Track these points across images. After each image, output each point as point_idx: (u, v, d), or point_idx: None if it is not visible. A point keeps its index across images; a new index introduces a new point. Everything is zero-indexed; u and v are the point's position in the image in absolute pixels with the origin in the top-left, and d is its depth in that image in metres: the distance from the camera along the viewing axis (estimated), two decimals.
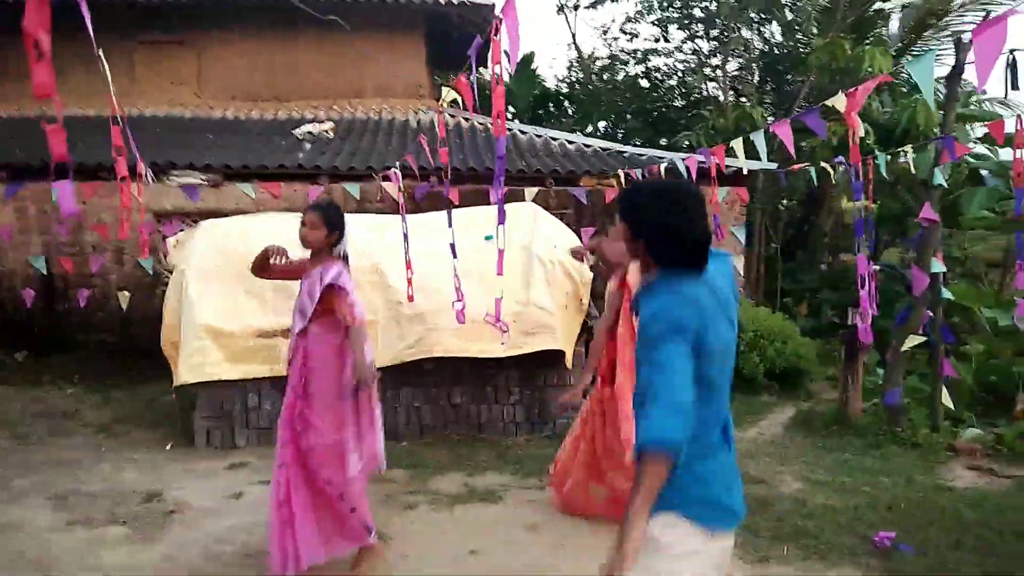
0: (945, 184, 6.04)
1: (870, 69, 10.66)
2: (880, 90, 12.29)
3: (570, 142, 10.02)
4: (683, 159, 5.77)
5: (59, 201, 2.35)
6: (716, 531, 2.11)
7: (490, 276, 6.24)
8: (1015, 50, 4.39)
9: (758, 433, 6.67)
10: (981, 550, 4.12)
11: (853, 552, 4.15)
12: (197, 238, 6.50)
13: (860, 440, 6.24)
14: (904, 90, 12.79)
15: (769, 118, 12.17)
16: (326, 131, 10.19)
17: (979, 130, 13.30)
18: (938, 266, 5.89)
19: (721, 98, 15.64)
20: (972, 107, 13.86)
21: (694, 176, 5.58)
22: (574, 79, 21.83)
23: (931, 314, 6.02)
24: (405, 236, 5.73)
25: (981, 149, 13.62)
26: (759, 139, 3.86)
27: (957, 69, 5.77)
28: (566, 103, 21.90)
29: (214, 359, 6.08)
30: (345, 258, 4.00)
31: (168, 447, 6.15)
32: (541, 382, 6.25)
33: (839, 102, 2.96)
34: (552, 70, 49.14)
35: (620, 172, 7.33)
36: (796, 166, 7.22)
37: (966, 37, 5.88)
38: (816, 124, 3.08)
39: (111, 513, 4.69)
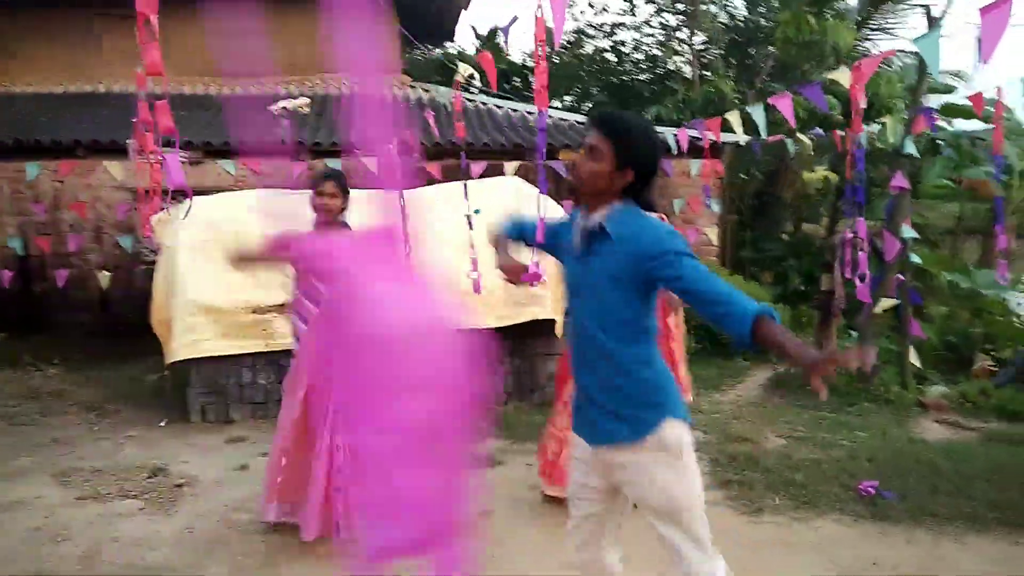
0: (917, 153, 6.32)
1: (834, 43, 10.94)
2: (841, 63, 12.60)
3: (562, 119, 10.13)
4: (675, 133, 5.94)
5: (169, 172, 2.40)
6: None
7: (478, 249, 6.40)
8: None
9: (738, 395, 6.96)
10: (955, 495, 4.43)
11: (840, 500, 4.43)
12: (184, 214, 6.49)
13: (835, 398, 6.55)
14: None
15: (736, 93, 12.40)
16: (301, 107, 10.12)
17: (934, 102, 13.76)
18: (909, 232, 6.19)
19: (688, 72, 15.85)
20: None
21: (684, 149, 5.76)
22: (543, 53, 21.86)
23: (901, 278, 6.33)
24: (403, 211, 5.79)
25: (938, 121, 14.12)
26: (758, 113, 4.03)
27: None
28: (531, 77, 21.96)
29: (208, 335, 6.13)
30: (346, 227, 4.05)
31: (163, 423, 6.19)
32: (531, 351, 6.43)
33: (842, 76, 3.14)
34: (520, 45, 48.92)
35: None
36: (772, 137, 7.45)
37: (937, 11, 6.14)
38: (817, 97, 3.26)
39: (120, 488, 4.75)
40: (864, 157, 4.97)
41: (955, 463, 4.92)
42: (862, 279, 5.37)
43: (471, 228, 5.52)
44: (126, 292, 8.48)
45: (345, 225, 4.08)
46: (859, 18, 15.11)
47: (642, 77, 16.20)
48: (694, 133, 4.87)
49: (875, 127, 11.26)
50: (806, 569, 3.70)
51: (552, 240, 2.51)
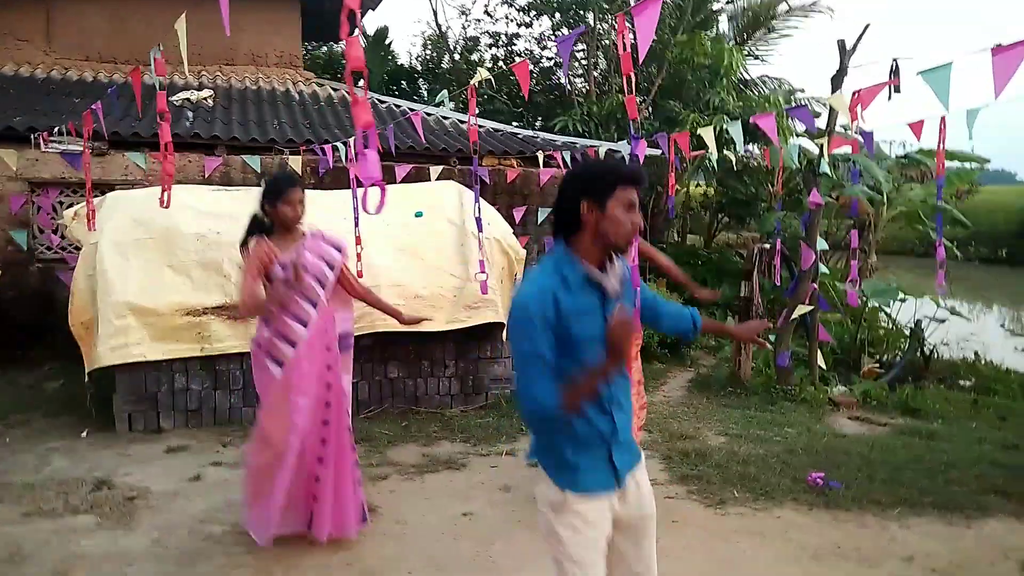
0: (831, 174, 6.89)
1: (727, 64, 11.66)
2: (735, 88, 13.43)
3: (461, 121, 10.18)
4: (630, 145, 6.16)
5: (362, 173, 2.26)
6: None
7: (424, 252, 6.41)
8: (897, 58, 5.16)
9: (665, 396, 7.30)
10: (890, 483, 4.89)
11: (793, 491, 4.78)
12: (108, 209, 6.09)
13: (755, 398, 7.02)
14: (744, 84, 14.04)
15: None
16: (205, 99, 9.70)
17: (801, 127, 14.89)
18: (822, 244, 6.74)
19: (578, 87, 16.33)
20: (795, 103, 15.49)
21: (641, 160, 6.01)
22: (428, 57, 21.83)
23: (815, 286, 6.88)
24: (356, 213, 5.72)
25: (806, 142, 15.34)
26: (736, 129, 4.30)
27: (842, 70, 6.59)
28: (420, 81, 21.87)
29: (137, 339, 5.77)
30: None
31: (84, 434, 5.77)
32: (475, 355, 6.48)
33: (839, 103, 3.43)
34: (413, 48, 48.58)
35: (541, 154, 7.63)
36: (696, 153, 7.85)
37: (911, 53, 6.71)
38: (806, 118, 3.54)
39: (65, 503, 4.41)
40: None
41: (881, 455, 5.42)
42: (784, 284, 5.73)
43: (480, 231, 5.48)
44: (17, 293, 7.80)
45: (304, 233, 3.99)
46: (734, 42, 16.12)
47: (537, 88, 16.53)
48: (688, 147, 5.08)
49: (752, 147, 12.11)
50: (779, 555, 3.99)
51: (555, 315, 2.06)
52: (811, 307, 6.82)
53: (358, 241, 5.77)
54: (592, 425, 2.16)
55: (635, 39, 3.27)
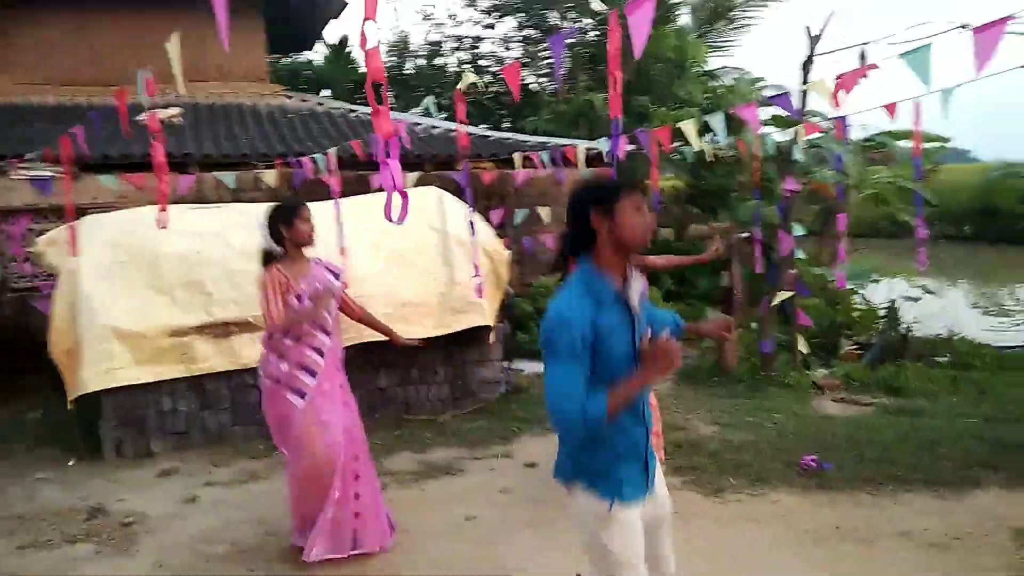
0: (801, 160, 7.00)
1: (693, 58, 11.80)
2: (710, 76, 13.57)
3: (434, 127, 10.19)
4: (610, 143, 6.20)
5: (385, 182, 2.27)
6: None
7: (409, 258, 6.40)
8: (866, 42, 5.26)
9: (653, 389, 7.35)
10: (879, 462, 4.98)
11: (787, 475, 4.85)
12: (86, 233, 6.00)
13: (741, 385, 7.11)
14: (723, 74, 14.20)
15: (606, 105, 13.00)
16: (174, 116, 9.59)
17: (763, 113, 15.09)
18: (799, 230, 6.84)
19: (543, 86, 16.39)
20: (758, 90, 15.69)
21: (621, 157, 6.07)
22: (391, 64, 21.76)
23: (794, 272, 6.98)
24: (339, 222, 5.70)
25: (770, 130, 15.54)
26: (716, 122, 4.36)
27: (809, 58, 6.70)
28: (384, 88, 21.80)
29: (123, 362, 5.70)
30: None
31: (72, 463, 5.69)
32: (464, 359, 6.49)
33: (821, 88, 3.50)
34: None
35: (518, 155, 7.64)
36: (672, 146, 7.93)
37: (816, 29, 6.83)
38: (786, 105, 3.60)
39: (61, 533, 4.36)
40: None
41: (869, 434, 5.52)
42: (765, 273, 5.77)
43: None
44: None
45: (309, 260, 4.01)
46: (696, 34, 16.31)
47: (504, 91, 16.59)
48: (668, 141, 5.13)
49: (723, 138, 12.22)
50: (780, 539, 4.05)
51: (592, 330, 2.12)
52: (791, 293, 6.92)
53: (343, 252, 5.76)
54: (629, 436, 2.24)
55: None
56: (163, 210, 4.18)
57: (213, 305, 5.89)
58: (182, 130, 9.24)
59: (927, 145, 12.85)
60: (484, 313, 6.23)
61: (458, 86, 4.13)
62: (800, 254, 7.32)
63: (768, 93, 16.62)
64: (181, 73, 4.05)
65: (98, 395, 5.67)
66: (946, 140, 13.09)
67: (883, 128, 12.56)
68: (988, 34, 2.78)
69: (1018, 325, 13.27)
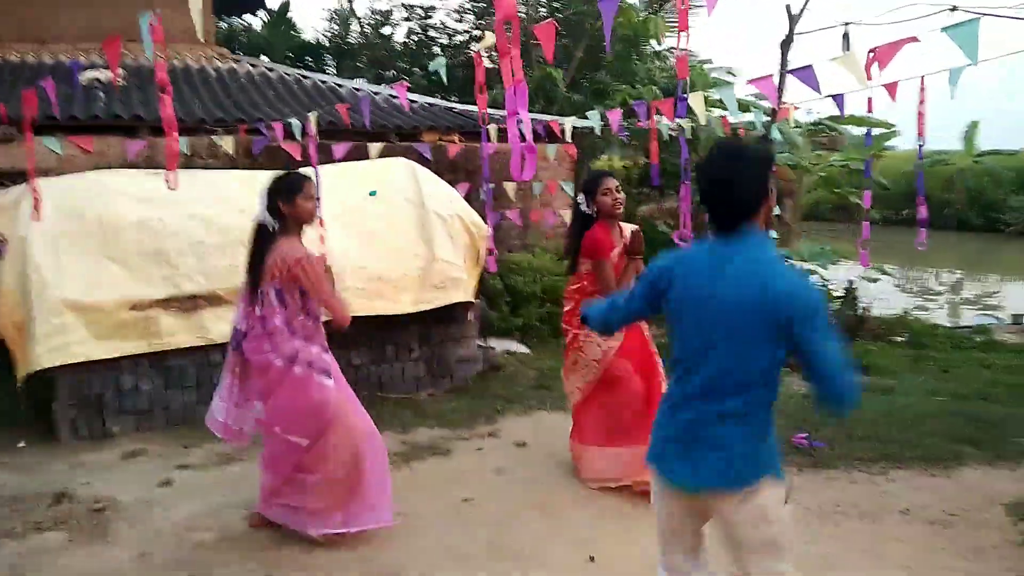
0: (780, 139, 7.00)
1: (653, 35, 11.75)
2: (660, 55, 13.55)
3: (393, 97, 9.81)
4: (604, 114, 6.07)
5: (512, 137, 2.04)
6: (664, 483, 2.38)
7: (383, 232, 6.16)
8: (848, 23, 5.26)
9: None
10: (868, 439, 5.05)
11: (780, 453, 4.85)
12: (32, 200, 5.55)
13: None
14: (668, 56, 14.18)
15: (566, 80, 12.85)
16: (100, 79, 9.00)
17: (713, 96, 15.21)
18: (776, 209, 6.86)
19: (487, 63, 16.09)
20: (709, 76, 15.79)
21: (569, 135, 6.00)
22: (335, 32, 21.09)
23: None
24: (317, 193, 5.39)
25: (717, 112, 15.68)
26: (729, 96, 4.27)
27: (789, 37, 6.68)
28: (327, 57, 21.12)
29: (79, 337, 5.30)
30: None
31: (21, 444, 5.29)
32: (441, 337, 6.30)
33: (851, 63, 3.42)
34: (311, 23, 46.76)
35: (493, 127, 7.44)
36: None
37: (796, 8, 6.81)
38: (809, 79, 3.53)
39: (25, 521, 4.01)
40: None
41: (852, 413, 5.57)
42: None
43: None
44: None
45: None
46: (645, 12, 16.25)
47: (453, 62, 16.24)
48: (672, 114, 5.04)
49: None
50: None
51: None
52: None
53: (320, 223, 5.47)
54: None
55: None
56: (171, 168, 3.87)
57: (179, 277, 5.54)
58: (127, 93, 8.68)
59: (875, 131, 13.18)
60: (466, 289, 6.05)
61: (479, 46, 3.91)
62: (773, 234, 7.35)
63: (716, 76, 16.83)
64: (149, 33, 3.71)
65: (51, 372, 5.29)
66: (892, 126, 13.39)
67: (832, 114, 12.85)
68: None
69: (941, 308, 13.84)
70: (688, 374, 2.25)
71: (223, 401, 3.87)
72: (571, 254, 4.55)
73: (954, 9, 4.18)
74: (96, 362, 5.38)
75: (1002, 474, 4.55)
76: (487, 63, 17.03)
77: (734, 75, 17.51)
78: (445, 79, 4.85)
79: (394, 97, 9.81)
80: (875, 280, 9.87)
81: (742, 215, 2.15)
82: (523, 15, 16.26)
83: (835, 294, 9.31)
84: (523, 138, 2.97)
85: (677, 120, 5.89)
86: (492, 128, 7.26)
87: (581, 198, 4.42)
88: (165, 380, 5.62)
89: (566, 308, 4.62)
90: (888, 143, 14.76)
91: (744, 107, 11.02)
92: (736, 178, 2.14)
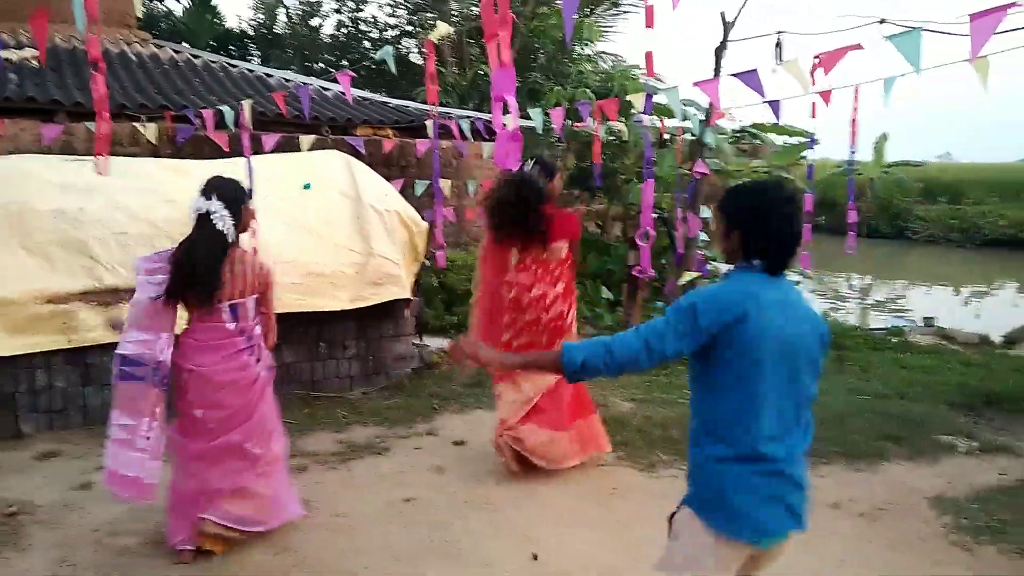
0: (713, 145, 7.16)
1: (587, 38, 11.87)
2: (591, 59, 13.68)
3: (325, 88, 9.62)
4: (546, 113, 6.06)
5: (497, 123, 1.90)
6: (729, 538, 2.15)
7: (318, 226, 6.01)
8: (781, 32, 5.42)
9: None
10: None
11: None
12: None
13: None
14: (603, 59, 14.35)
15: None
16: (28, 59, 8.52)
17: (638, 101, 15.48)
18: (707, 212, 7.01)
19: (418, 59, 15.98)
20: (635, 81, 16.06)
21: (557, 128, 5.96)
22: (260, 22, 20.56)
23: (702, 253, 7.17)
24: (250, 185, 5.21)
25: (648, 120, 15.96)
26: (673, 98, 4.31)
27: (723, 44, 6.84)
28: (252, 46, 20.57)
29: None
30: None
31: None
32: (377, 334, 6.18)
33: (794, 69, 3.50)
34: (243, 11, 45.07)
35: (430, 122, 7.34)
36: (580, 124, 7.91)
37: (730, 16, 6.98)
38: (754, 83, 3.60)
39: None
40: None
41: None
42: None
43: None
44: None
45: None
46: (576, 16, 16.43)
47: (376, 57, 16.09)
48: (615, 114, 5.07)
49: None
50: None
51: None
52: (698, 274, 7.10)
53: (253, 215, 5.28)
54: None
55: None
56: (100, 154, 3.62)
57: (100, 269, 5.27)
58: (40, 74, 8.23)
59: (791, 140, 13.62)
60: (404, 285, 5.95)
61: (431, 35, 3.83)
62: (703, 236, 7.52)
63: (645, 82, 17.13)
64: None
65: None
66: (810, 135, 13.86)
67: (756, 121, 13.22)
68: (985, 20, 2.86)
69: (852, 313, 14.43)
70: (770, 419, 2.12)
71: (141, 452, 3.26)
72: (536, 232, 4.28)
73: (882, 21, 4.35)
74: (7, 358, 5.07)
75: (924, 469, 4.74)
76: (417, 59, 16.96)
77: (663, 81, 17.88)
78: (393, 69, 4.73)
79: (326, 90, 9.65)
80: (798, 283, 10.19)
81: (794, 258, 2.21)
82: (456, 14, 16.24)
83: None
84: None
85: (646, 117, 5.91)
86: (429, 124, 7.20)
87: (536, 170, 4.26)
88: (83, 377, 5.34)
89: (559, 289, 4.44)
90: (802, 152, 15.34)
91: (671, 112, 11.21)
92: (800, 228, 2.17)
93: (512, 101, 2.25)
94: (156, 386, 3.28)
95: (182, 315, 3.44)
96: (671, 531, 2.30)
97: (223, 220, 3.33)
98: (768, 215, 2.13)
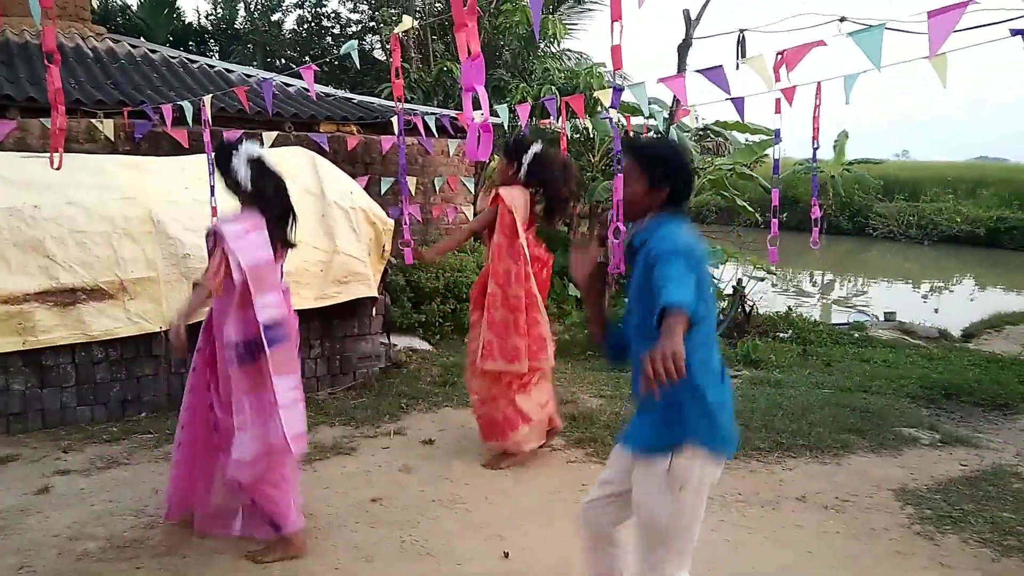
0: (677, 140, 7.20)
1: (552, 35, 11.87)
2: (555, 56, 13.67)
3: (288, 84, 9.47)
4: (513, 108, 6.01)
5: (466, 117, 1.83)
6: (721, 459, 2.39)
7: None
8: (744, 30, 5.47)
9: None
10: (763, 430, 5.24)
11: None
12: None
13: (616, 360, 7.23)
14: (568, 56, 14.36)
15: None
16: None
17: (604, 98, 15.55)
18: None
19: (380, 56, 15.85)
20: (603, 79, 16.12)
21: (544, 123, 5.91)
22: (220, 17, 20.22)
23: None
24: (212, 183, 5.11)
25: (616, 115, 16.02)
26: (640, 95, 4.31)
27: (687, 41, 6.88)
28: (211, 42, 20.24)
29: None
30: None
31: None
32: (342, 333, 6.11)
33: (758, 65, 3.52)
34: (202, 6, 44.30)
35: (396, 119, 7.27)
36: (545, 120, 7.89)
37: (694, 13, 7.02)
38: (719, 80, 3.61)
39: None
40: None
41: (747, 404, 5.79)
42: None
43: None
44: None
45: None
46: (543, 13, 16.44)
47: (339, 53, 15.93)
48: (582, 109, 5.06)
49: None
50: None
51: None
52: None
53: (214, 212, 5.18)
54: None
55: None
56: (56, 149, 3.52)
57: (56, 268, 5.13)
58: None
59: (754, 138, 13.77)
60: (370, 284, 5.88)
61: (395, 29, 3.78)
62: None
63: (609, 80, 17.18)
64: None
65: None
66: (771, 133, 14.03)
67: (720, 119, 13.36)
68: (944, 18, 2.90)
69: (814, 307, 14.66)
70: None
71: (302, 405, 3.45)
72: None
73: (843, 19, 4.40)
74: None
75: (887, 461, 4.82)
76: (380, 55, 16.81)
77: (627, 79, 17.97)
78: (358, 63, 4.66)
79: (289, 85, 9.49)
80: (762, 279, 10.32)
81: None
82: (419, 10, 16.11)
83: (724, 292, 9.67)
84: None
85: (613, 112, 5.90)
86: (394, 120, 7.13)
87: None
88: (40, 379, 5.20)
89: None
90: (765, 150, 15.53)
91: (637, 110, 11.25)
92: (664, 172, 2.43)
93: (483, 91, 2.22)
94: (292, 340, 3.45)
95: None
96: (673, 486, 2.30)
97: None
98: (688, 169, 2.44)
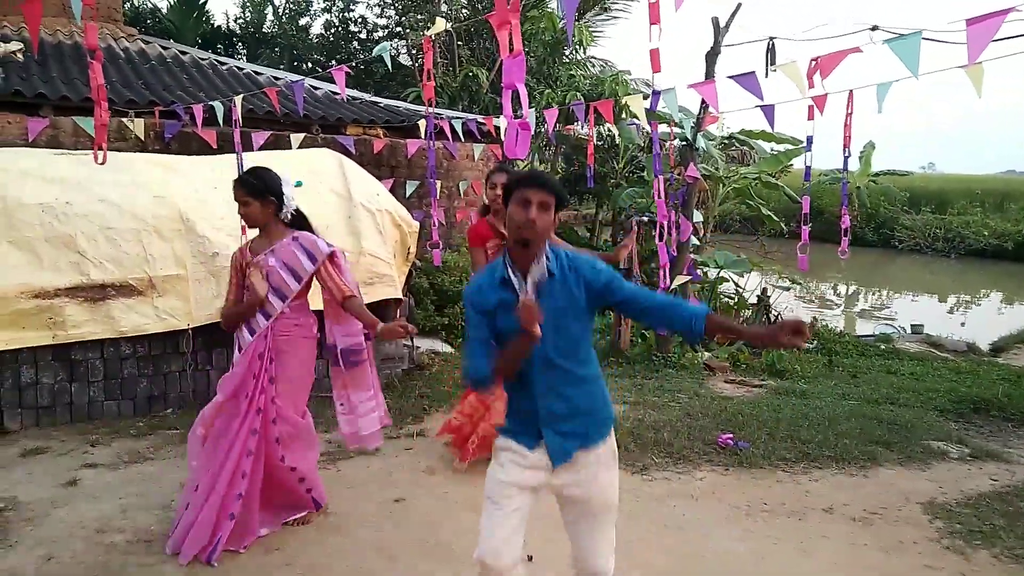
0: (703, 149, 7.18)
1: (578, 41, 11.87)
2: (580, 63, 13.69)
3: (315, 87, 9.55)
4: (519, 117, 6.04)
5: (507, 111, 1.89)
6: None
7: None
8: (774, 38, 5.44)
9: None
10: (789, 440, 5.18)
11: (707, 453, 4.94)
12: None
13: (638, 366, 7.22)
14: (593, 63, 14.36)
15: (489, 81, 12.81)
16: (13, 52, 8.39)
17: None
18: (698, 216, 7.01)
19: (405, 61, 15.92)
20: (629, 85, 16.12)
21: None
22: (248, 20, 20.43)
23: (693, 257, 7.17)
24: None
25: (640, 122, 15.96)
26: (671, 99, 4.29)
27: (715, 49, 6.85)
28: (239, 45, 20.45)
29: None
30: (298, 219, 3.81)
31: None
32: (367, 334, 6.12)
33: (792, 72, 3.50)
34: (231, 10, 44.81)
35: (423, 123, 7.30)
36: (567, 127, 7.91)
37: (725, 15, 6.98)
38: (752, 86, 3.59)
39: None
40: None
41: (769, 414, 5.74)
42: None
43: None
44: None
45: (289, 224, 3.83)
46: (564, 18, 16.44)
47: (371, 58, 16.03)
48: (611, 114, 5.07)
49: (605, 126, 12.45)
50: (716, 514, 4.10)
51: (485, 308, 2.44)
52: (689, 277, 7.10)
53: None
54: (518, 403, 2.52)
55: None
56: (100, 144, 3.61)
57: (87, 264, 5.19)
58: (26, 68, 8.11)
59: (779, 147, 13.68)
60: (395, 285, 5.90)
61: (429, 31, 3.79)
62: (695, 240, 7.52)
63: (637, 88, 17.17)
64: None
65: None
66: (799, 142, 13.93)
67: (745, 128, 13.31)
68: (983, 26, 2.87)
69: (839, 318, 14.52)
70: None
71: (377, 409, 4.07)
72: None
73: (875, 28, 4.36)
74: None
75: (915, 474, 4.75)
76: (405, 60, 16.90)
77: (651, 86, 17.92)
78: (390, 64, 4.69)
79: (316, 88, 9.58)
80: (787, 288, 10.24)
81: None
82: (446, 15, 16.19)
83: (749, 301, 9.62)
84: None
85: (643, 116, 5.88)
86: (421, 124, 7.16)
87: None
88: (70, 373, 5.27)
89: None
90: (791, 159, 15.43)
91: (664, 117, 11.23)
92: None
93: (523, 89, 2.23)
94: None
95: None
96: (615, 459, 2.66)
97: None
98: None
